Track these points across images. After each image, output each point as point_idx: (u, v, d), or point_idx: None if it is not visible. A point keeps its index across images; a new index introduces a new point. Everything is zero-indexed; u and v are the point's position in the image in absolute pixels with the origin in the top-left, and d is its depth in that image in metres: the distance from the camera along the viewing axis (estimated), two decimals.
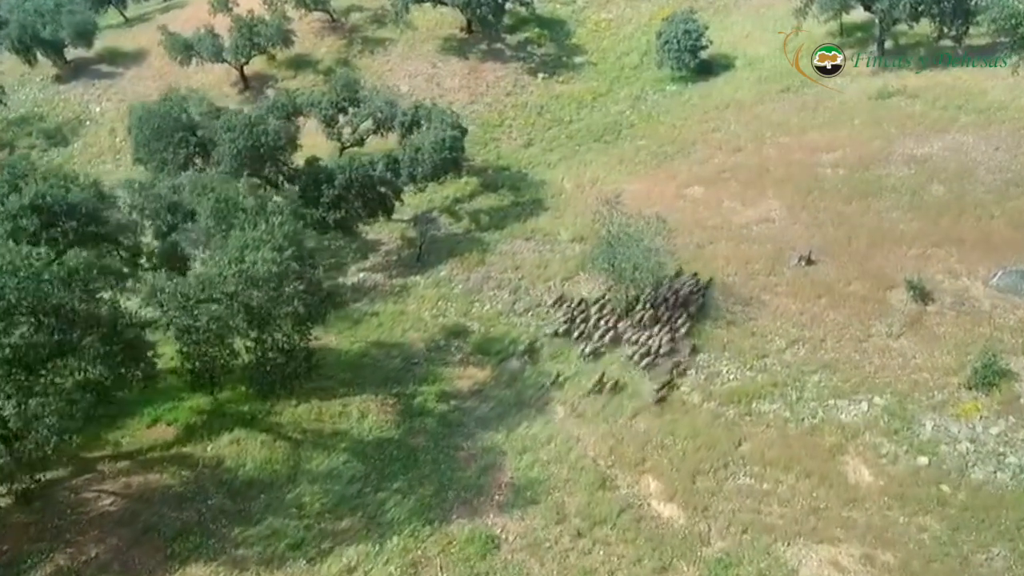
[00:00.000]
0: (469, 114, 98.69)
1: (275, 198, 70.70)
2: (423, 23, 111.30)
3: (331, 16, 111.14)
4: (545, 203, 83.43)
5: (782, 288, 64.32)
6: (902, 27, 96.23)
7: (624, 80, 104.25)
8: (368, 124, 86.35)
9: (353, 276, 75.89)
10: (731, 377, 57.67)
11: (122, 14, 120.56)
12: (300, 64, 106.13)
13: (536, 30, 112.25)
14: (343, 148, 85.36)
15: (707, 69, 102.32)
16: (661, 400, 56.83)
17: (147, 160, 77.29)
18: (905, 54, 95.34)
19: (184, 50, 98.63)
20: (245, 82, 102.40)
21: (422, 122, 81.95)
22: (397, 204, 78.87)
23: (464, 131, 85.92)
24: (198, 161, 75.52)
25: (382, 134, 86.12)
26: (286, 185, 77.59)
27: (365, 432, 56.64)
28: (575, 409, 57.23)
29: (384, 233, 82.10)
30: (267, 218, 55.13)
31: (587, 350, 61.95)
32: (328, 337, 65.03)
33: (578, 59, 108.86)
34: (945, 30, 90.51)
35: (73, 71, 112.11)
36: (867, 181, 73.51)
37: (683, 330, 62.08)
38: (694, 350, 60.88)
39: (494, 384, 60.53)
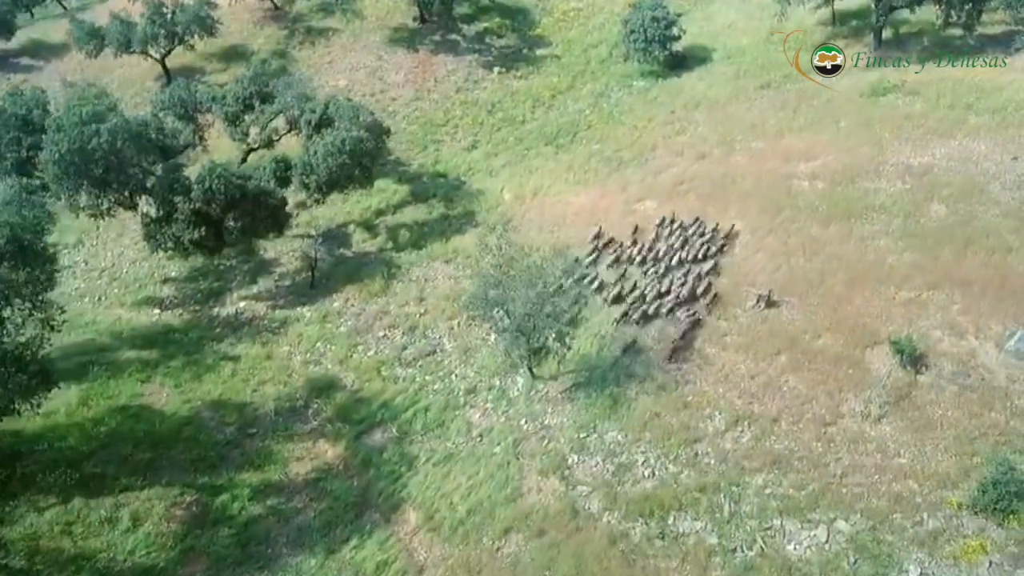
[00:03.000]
0: (411, 112, 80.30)
1: None
2: (373, 11, 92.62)
3: (274, 4, 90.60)
4: (477, 217, 64.88)
5: (733, 338, 45.26)
6: (903, 14, 74.53)
7: (589, 75, 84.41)
8: (279, 123, 68.49)
9: (233, 305, 56.21)
10: (647, 472, 39.07)
11: (60, 3, 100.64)
12: (233, 56, 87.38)
13: (496, 19, 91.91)
14: (249, 151, 65.36)
15: (681, 62, 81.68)
16: None
17: None
18: (906, 45, 73.84)
19: (91, 40, 78.33)
20: (168, 76, 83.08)
21: (334, 120, 61.39)
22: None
23: (384, 132, 68.83)
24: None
25: (298, 134, 67.53)
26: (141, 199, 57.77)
27: (124, 553, 37.49)
28: (431, 518, 37.38)
29: (286, 251, 63.95)
30: None
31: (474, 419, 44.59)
32: (159, 392, 45.51)
33: (540, 51, 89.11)
34: (953, 16, 68.61)
35: None
36: (850, 198, 53.67)
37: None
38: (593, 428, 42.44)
39: (342, 469, 42.92)
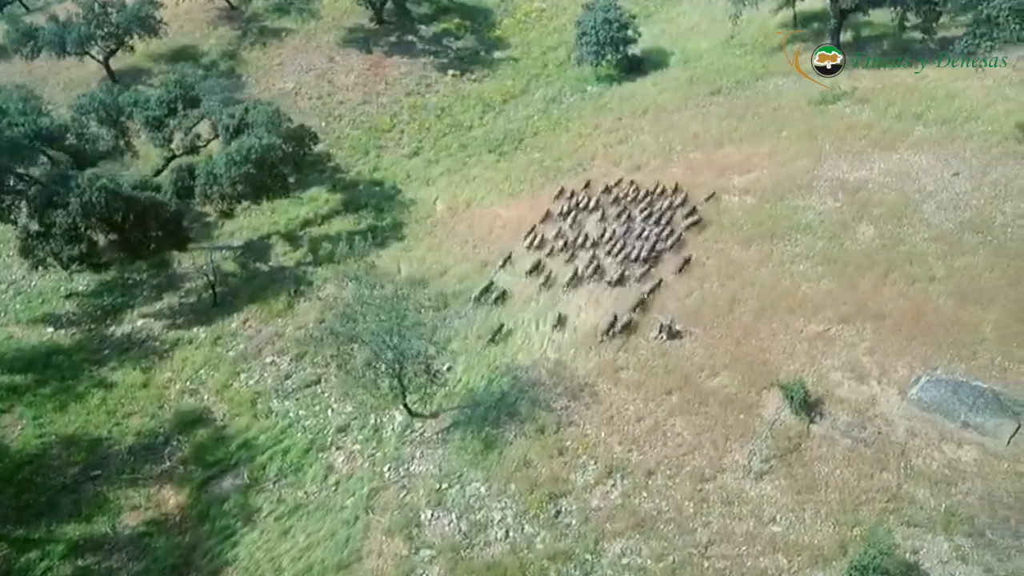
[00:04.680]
0: (357, 116, 74.91)
1: None
2: (330, 11, 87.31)
3: (229, 3, 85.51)
4: (404, 229, 59.97)
5: (628, 373, 40.06)
6: (866, 15, 68.60)
7: (544, 79, 78.78)
8: (204, 129, 63.63)
9: (130, 323, 51.29)
10: (500, 534, 33.57)
11: (22, 3, 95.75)
12: (182, 57, 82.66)
13: (456, 20, 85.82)
14: (172, 157, 60.45)
15: (638, 66, 75.64)
16: None
17: None
18: (865, 48, 67.31)
19: (27, 41, 73.42)
20: (112, 78, 77.95)
21: (252, 126, 56.73)
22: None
23: (311, 138, 64.47)
24: None
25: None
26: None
27: None
28: None
29: (204, 263, 57.66)
30: None
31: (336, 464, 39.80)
32: (14, 424, 40.94)
33: (498, 54, 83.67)
34: (909, 19, 62.28)
35: None
36: (777, 216, 48.10)
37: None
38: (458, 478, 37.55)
39: (177, 522, 36.40)
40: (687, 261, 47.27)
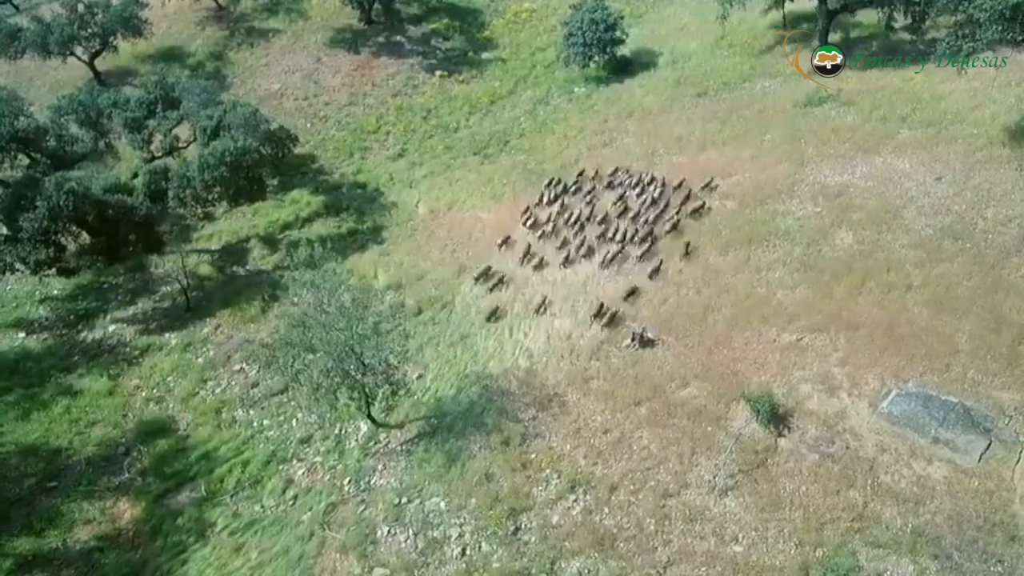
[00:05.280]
0: (343, 117, 73.86)
1: None
2: (319, 12, 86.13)
3: (218, 3, 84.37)
4: (385, 232, 58.95)
5: (598, 382, 38.80)
6: (856, 16, 68.23)
7: (532, 80, 77.48)
8: (184, 131, 62.72)
9: (103, 328, 50.13)
10: (457, 551, 32.57)
11: (11, 3, 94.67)
12: (170, 57, 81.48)
13: (445, 21, 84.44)
14: (152, 159, 59.41)
15: (626, 67, 74.31)
16: None
17: None
18: (854, 49, 65.63)
19: (11, 43, 72.23)
20: (99, 78, 76.78)
21: (230, 128, 55.76)
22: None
23: (291, 140, 64.05)
24: None
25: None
26: None
27: None
28: None
29: (181, 266, 56.44)
30: None
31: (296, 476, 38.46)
32: None
33: (486, 55, 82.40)
34: (896, 19, 60.93)
35: None
36: (756, 221, 46.76)
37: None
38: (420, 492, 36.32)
39: (130, 537, 35.19)
40: (657, 270, 45.95)
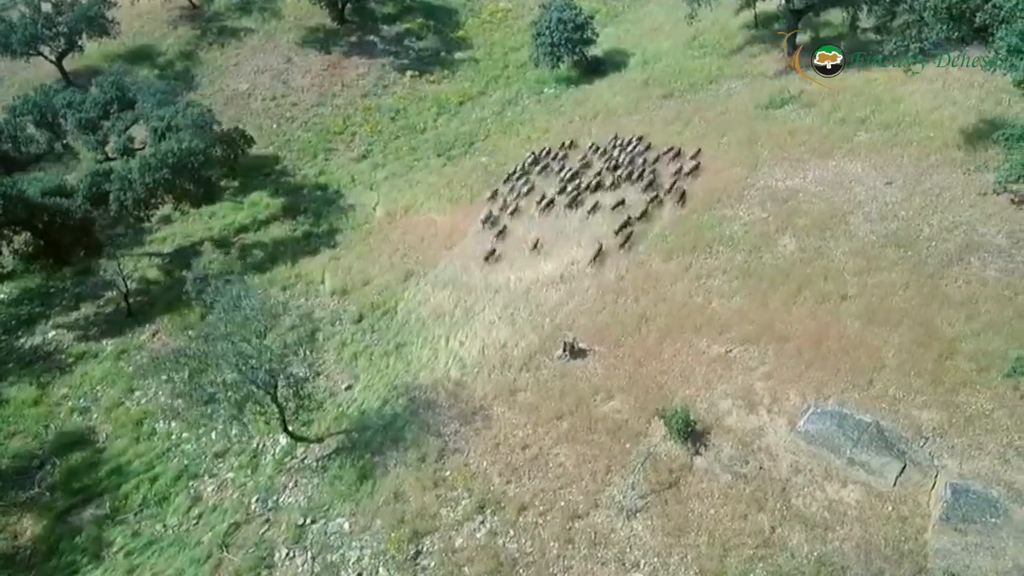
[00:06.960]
0: (310, 118, 72.08)
1: None
2: (292, 11, 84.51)
3: (191, 2, 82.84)
4: (340, 236, 57.49)
5: (525, 395, 37.32)
6: (827, 16, 65.78)
7: (504, 80, 75.63)
8: (140, 132, 61.38)
9: (42, 335, 48.69)
10: None
11: None
12: (139, 57, 79.85)
13: (419, 20, 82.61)
14: (106, 159, 58.05)
15: (597, 68, 72.24)
16: None
17: None
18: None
19: None
20: (67, 78, 75.33)
21: (181, 129, 54.23)
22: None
23: (246, 141, 63.71)
24: None
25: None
26: None
27: None
28: None
29: (131, 271, 56.28)
30: None
31: (205, 493, 37.00)
32: None
33: (459, 54, 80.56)
34: (861, 19, 58.72)
35: None
36: (702, 227, 44.79)
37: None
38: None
39: (27, 556, 33.73)
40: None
